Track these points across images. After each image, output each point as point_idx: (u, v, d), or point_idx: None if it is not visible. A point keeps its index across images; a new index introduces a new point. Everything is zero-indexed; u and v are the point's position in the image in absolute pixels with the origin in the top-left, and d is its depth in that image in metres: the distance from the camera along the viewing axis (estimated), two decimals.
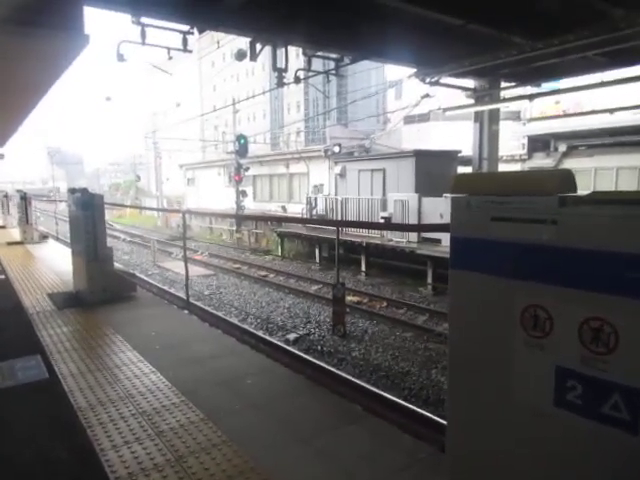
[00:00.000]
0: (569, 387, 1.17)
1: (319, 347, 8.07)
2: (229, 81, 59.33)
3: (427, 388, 6.39)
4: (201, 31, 8.81)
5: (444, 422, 1.60)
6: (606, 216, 1.09)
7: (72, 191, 6.23)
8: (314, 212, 18.35)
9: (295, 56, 12.82)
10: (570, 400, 1.17)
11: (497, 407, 1.35)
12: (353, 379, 6.27)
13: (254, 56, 9.03)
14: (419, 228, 12.55)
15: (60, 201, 24.75)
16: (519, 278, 1.26)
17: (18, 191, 14.34)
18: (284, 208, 24.09)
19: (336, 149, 21.26)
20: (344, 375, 6.39)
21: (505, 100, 13.55)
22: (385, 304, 10.93)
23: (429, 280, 12.48)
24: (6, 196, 18.79)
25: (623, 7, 7.82)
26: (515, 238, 1.26)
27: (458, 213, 1.41)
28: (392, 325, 9.27)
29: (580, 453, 1.17)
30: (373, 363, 7.33)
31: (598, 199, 1.16)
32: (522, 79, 12.90)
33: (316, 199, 18.64)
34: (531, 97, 13.31)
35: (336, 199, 17.49)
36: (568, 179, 1.22)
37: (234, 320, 9.45)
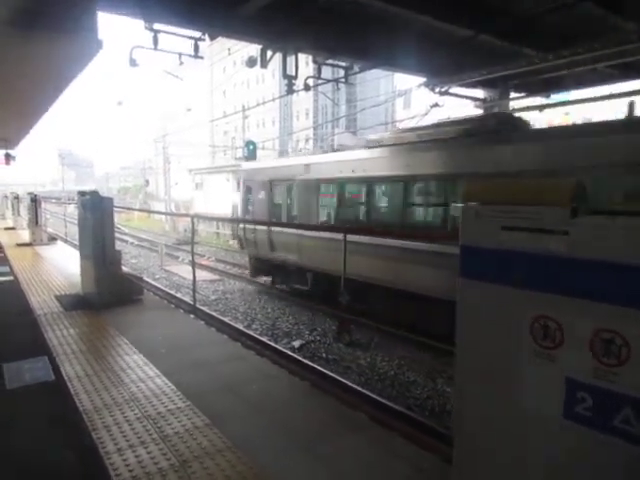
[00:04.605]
0: (579, 399, 1.16)
1: (324, 354, 8.04)
2: (239, 87, 59.78)
3: (433, 398, 6.34)
4: (212, 38, 8.90)
5: (449, 433, 1.59)
6: (618, 227, 1.08)
7: (82, 194, 6.28)
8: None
9: (305, 64, 12.89)
10: (580, 412, 1.16)
11: (505, 418, 1.34)
12: (358, 387, 6.25)
13: (265, 63, 9.09)
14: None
15: (69, 203, 24.93)
16: (529, 288, 1.25)
17: (29, 193, 14.49)
18: None
19: None
20: (349, 383, 6.37)
21: (514, 111, 13.51)
22: None
23: None
24: (17, 198, 19.00)
25: (634, 20, 7.82)
26: (526, 248, 1.26)
27: (468, 222, 1.40)
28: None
29: (590, 466, 1.15)
30: (379, 372, 7.28)
31: (610, 210, 1.15)
32: (532, 90, 12.88)
33: None
34: (540, 108, 13.26)
35: None
36: (580, 190, 1.21)
37: (240, 326, 9.45)
